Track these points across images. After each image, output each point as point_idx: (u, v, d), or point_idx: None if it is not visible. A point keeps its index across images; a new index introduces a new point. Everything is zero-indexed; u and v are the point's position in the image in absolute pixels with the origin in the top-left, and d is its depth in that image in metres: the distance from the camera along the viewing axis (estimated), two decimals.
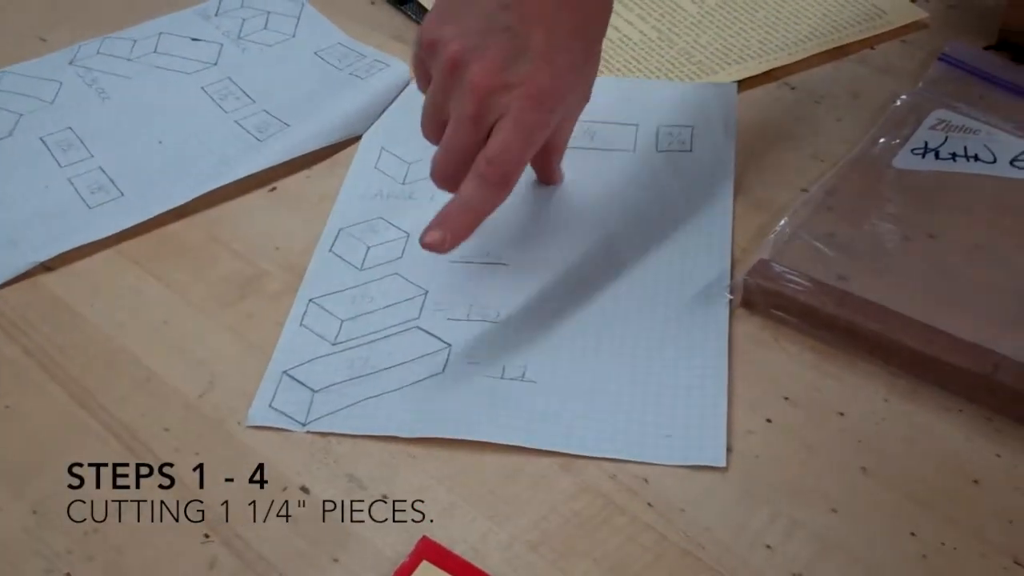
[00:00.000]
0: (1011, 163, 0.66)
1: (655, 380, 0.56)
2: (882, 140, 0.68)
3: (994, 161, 0.67)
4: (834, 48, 0.78)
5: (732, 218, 0.65)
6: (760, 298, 0.59)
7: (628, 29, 0.81)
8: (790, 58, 0.77)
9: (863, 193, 0.65)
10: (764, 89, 0.75)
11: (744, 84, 0.75)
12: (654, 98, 0.73)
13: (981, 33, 0.78)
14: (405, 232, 0.66)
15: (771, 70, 0.76)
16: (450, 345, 0.59)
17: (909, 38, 0.79)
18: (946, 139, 0.68)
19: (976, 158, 0.67)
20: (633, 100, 0.73)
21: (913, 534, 0.49)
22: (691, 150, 0.69)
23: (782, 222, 0.62)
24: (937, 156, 0.67)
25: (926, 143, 0.68)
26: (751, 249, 0.62)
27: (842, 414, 0.54)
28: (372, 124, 0.74)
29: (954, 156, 0.67)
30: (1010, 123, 0.69)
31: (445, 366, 0.58)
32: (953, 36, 0.78)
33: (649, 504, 0.51)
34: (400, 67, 0.78)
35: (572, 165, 0.69)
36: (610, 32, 0.80)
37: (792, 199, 0.65)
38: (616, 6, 0.77)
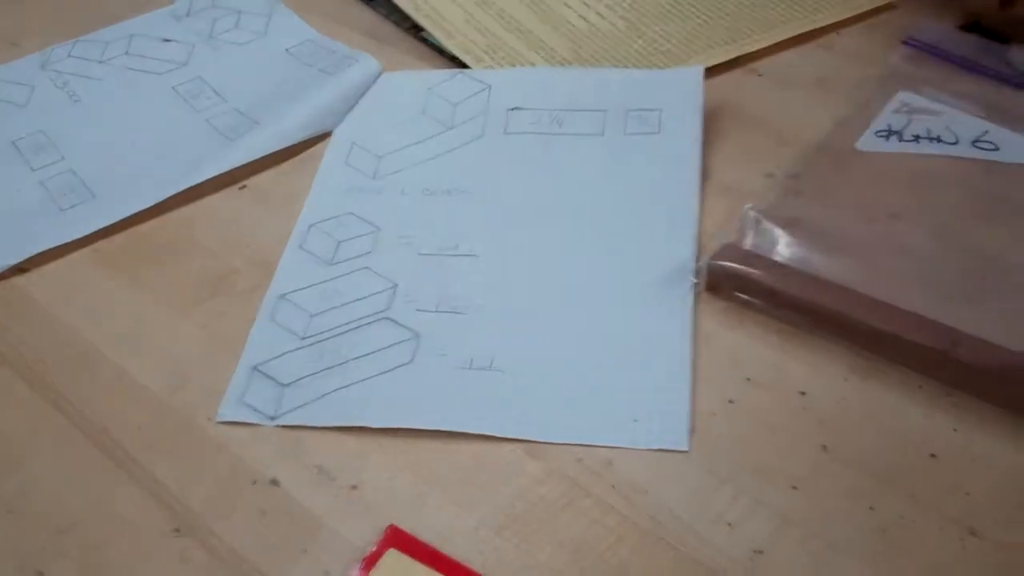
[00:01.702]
0: (973, 144, 0.67)
1: (621, 365, 0.56)
2: (846, 124, 0.69)
3: (956, 142, 0.67)
4: (802, 34, 0.79)
5: (699, 202, 0.65)
6: (725, 281, 0.60)
7: (597, 20, 0.81)
8: (757, 44, 0.78)
9: (828, 177, 0.66)
10: (731, 75, 0.76)
11: (712, 71, 0.75)
12: (622, 85, 0.74)
13: (947, 14, 0.78)
14: (375, 226, 0.67)
15: (738, 57, 0.77)
16: (419, 336, 0.59)
17: (875, 22, 0.79)
18: (909, 121, 0.69)
19: (939, 139, 0.67)
20: (601, 87, 0.74)
21: (872, 508, 0.49)
22: (659, 132, 0.70)
23: (747, 207, 0.63)
24: (900, 138, 0.68)
25: (890, 126, 0.68)
26: (716, 234, 0.63)
27: (804, 393, 0.54)
28: (343, 120, 0.75)
29: (917, 138, 0.68)
30: (974, 105, 0.70)
31: (413, 356, 0.58)
32: (919, 18, 0.78)
33: (613, 486, 0.51)
34: (370, 63, 0.78)
35: (541, 152, 0.69)
36: (579, 23, 0.80)
37: (758, 184, 0.66)
38: None
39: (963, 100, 0.70)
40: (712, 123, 0.71)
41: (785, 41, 0.78)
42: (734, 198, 0.65)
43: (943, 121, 0.68)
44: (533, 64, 0.77)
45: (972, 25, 0.77)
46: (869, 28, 0.79)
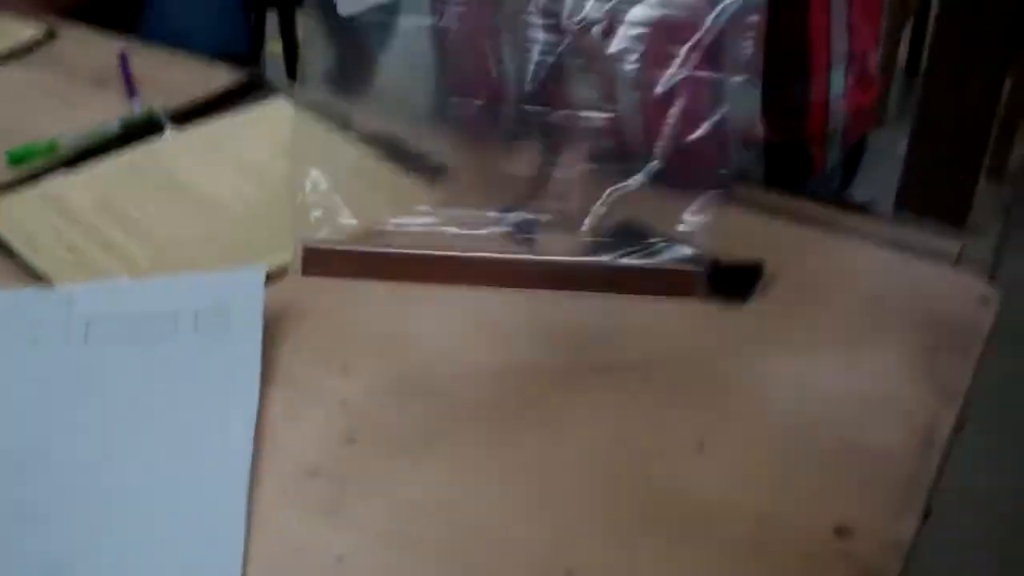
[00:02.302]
0: None
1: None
2: None
3: None
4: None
5: (258, 396, 0.73)
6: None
7: (176, 229, 0.89)
8: None
9: None
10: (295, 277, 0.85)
11: (278, 273, 0.84)
12: (192, 288, 0.81)
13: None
14: None
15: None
16: None
17: None
18: None
19: None
20: (174, 292, 0.81)
21: None
22: (227, 331, 0.77)
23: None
24: None
25: None
26: (280, 425, 0.71)
27: None
28: None
29: None
30: None
31: None
32: None
33: None
34: None
35: (117, 359, 0.75)
36: (159, 235, 0.88)
37: (328, 381, 0.75)
38: (165, 206, 0.86)
39: None
40: (279, 319, 0.79)
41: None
42: (299, 390, 0.74)
43: None
44: (116, 275, 0.84)
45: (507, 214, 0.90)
46: None
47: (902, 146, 2.60)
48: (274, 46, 2.26)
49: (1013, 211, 2.39)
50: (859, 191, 2.49)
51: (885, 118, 2.97)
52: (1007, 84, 2.52)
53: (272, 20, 2.21)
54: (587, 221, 0.82)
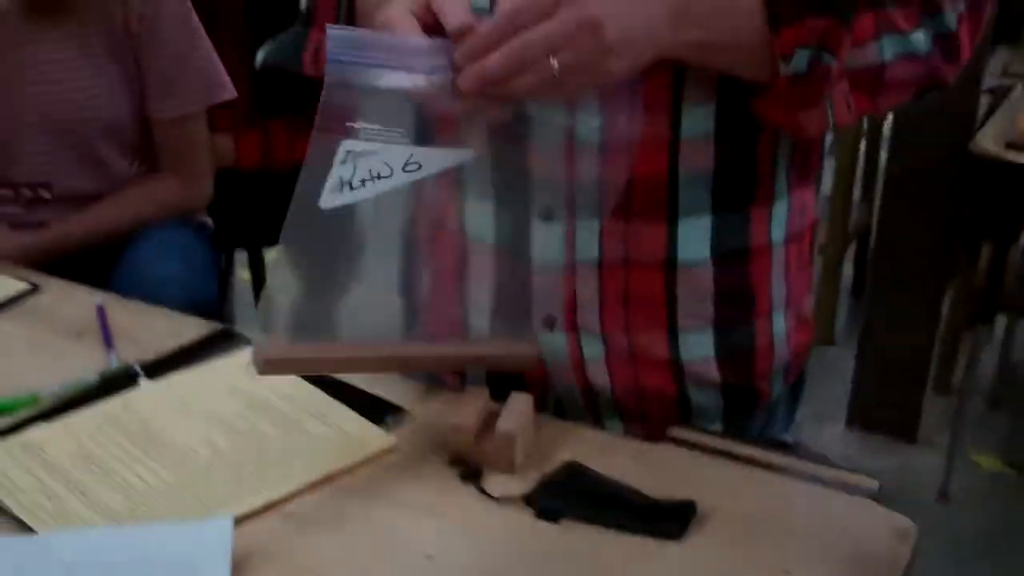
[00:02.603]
0: (403, 169, 0.82)
1: None
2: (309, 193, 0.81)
3: (391, 174, 0.82)
4: (325, 476, 0.95)
5: None
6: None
7: (150, 477, 0.95)
8: (289, 488, 0.94)
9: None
10: (264, 519, 0.91)
11: (247, 517, 0.90)
12: (162, 538, 0.87)
13: (437, 457, 0.98)
14: None
15: (274, 500, 0.92)
16: None
17: (382, 462, 0.98)
18: (355, 168, 0.82)
19: (379, 176, 0.81)
20: (146, 541, 0.86)
21: None
22: None
23: None
24: (351, 187, 0.81)
25: (341, 178, 0.82)
26: None
27: None
28: None
29: (364, 182, 0.81)
30: (398, 128, 0.83)
31: None
32: (418, 457, 0.97)
33: None
34: None
35: None
36: (134, 483, 0.94)
37: None
38: (140, 456, 0.92)
39: (391, 126, 0.83)
40: (246, 561, 0.85)
41: (308, 485, 0.95)
42: None
43: (379, 158, 0.83)
44: (93, 523, 0.89)
45: (457, 461, 0.97)
46: (375, 465, 0.97)
47: (850, 364, 2.71)
48: (243, 273, 2.37)
49: (958, 423, 2.47)
50: (810, 409, 2.59)
51: (834, 338, 3.09)
52: (947, 299, 2.65)
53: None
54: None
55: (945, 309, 2.67)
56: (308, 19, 1.06)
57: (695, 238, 1.01)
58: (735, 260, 1.03)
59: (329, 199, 0.83)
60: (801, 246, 1.08)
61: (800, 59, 0.89)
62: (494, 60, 0.82)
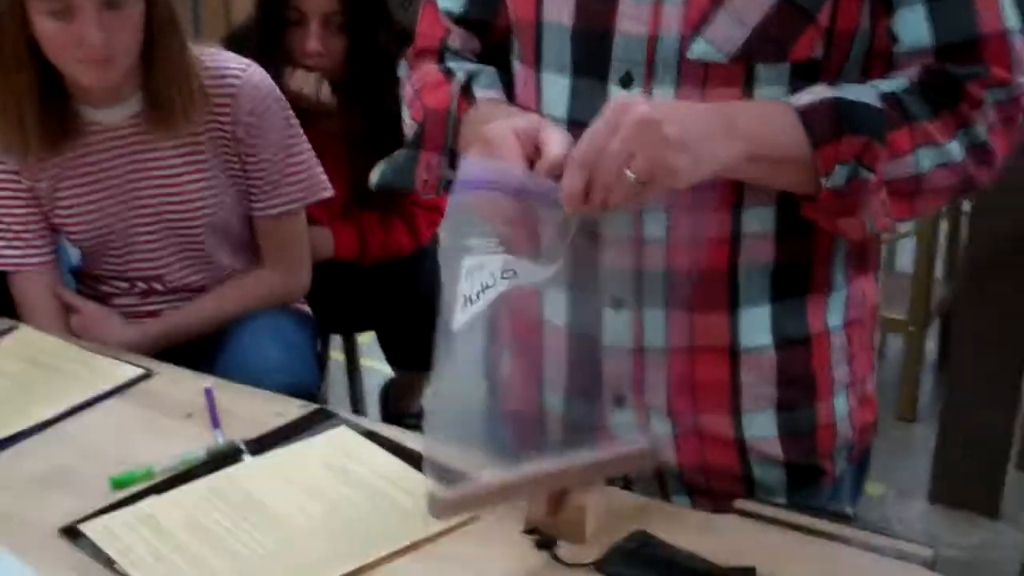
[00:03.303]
0: (502, 277, 0.94)
1: None
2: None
3: (494, 283, 0.93)
4: (412, 544, 1.04)
5: None
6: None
7: (253, 543, 1.04)
8: (378, 555, 1.02)
9: None
10: None
11: None
12: None
13: (512, 525, 1.05)
14: None
15: (364, 566, 1.01)
16: None
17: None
18: (472, 283, 0.93)
19: (486, 287, 0.93)
20: None
21: None
22: None
23: None
24: (471, 302, 0.92)
25: (465, 296, 0.93)
26: None
27: None
28: None
29: (478, 295, 0.93)
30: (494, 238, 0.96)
31: None
32: (497, 527, 1.05)
33: None
34: None
35: None
36: (237, 550, 1.03)
37: None
38: (243, 524, 1.01)
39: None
40: None
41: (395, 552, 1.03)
42: None
43: (487, 269, 0.95)
44: None
45: (532, 530, 1.05)
46: (457, 534, 1.05)
47: (934, 440, 2.72)
48: (335, 355, 2.48)
49: None
50: (894, 485, 2.61)
51: (917, 414, 3.10)
52: None
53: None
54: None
55: None
56: (418, 142, 1.15)
57: (756, 326, 1.08)
58: (795, 346, 1.09)
59: (459, 319, 0.95)
60: (861, 331, 1.14)
61: (839, 174, 0.97)
62: (572, 179, 0.92)
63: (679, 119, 0.93)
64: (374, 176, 1.18)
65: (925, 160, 1.00)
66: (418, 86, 1.17)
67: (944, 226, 3.19)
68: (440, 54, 1.18)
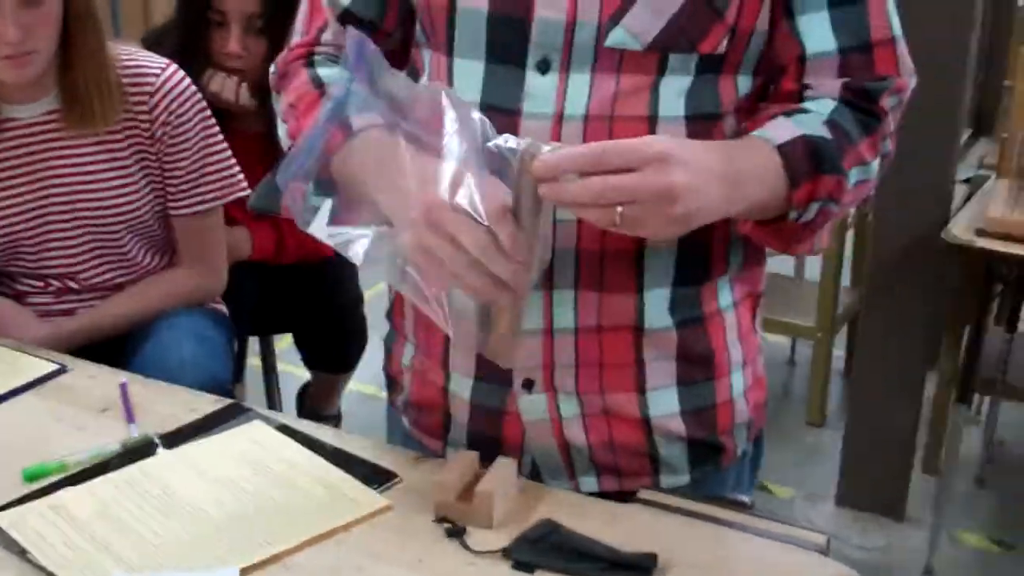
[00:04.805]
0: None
1: None
2: None
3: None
4: (323, 533, 1.06)
5: None
6: None
7: (165, 533, 1.06)
8: (290, 543, 1.04)
9: None
10: (267, 570, 1.01)
11: (252, 568, 1.00)
12: None
13: (425, 510, 1.08)
14: None
15: (277, 554, 1.03)
16: None
17: (375, 520, 1.08)
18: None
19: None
20: None
21: None
22: None
23: None
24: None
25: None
26: None
27: None
28: None
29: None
30: None
31: None
32: (409, 517, 1.08)
33: None
34: None
35: None
36: (150, 538, 1.04)
37: None
38: (156, 515, 1.02)
39: None
40: None
41: (313, 539, 1.05)
42: None
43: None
44: (112, 573, 1.00)
45: (443, 519, 1.07)
46: (370, 524, 1.08)
47: (841, 444, 2.80)
48: (253, 360, 2.49)
49: (943, 500, 2.55)
50: (803, 488, 2.68)
51: (825, 419, 3.19)
52: (931, 381, 2.74)
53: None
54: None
55: (929, 391, 2.76)
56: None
57: (659, 306, 1.11)
58: (694, 324, 1.13)
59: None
60: (750, 312, 1.19)
61: (812, 209, 1.05)
62: (575, 190, 0.93)
63: (699, 195, 0.95)
64: (251, 198, 1.18)
65: (853, 177, 1.07)
66: (292, 99, 1.16)
67: (850, 235, 3.28)
68: (310, 57, 1.18)
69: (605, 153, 0.93)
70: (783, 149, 1.02)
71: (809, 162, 1.03)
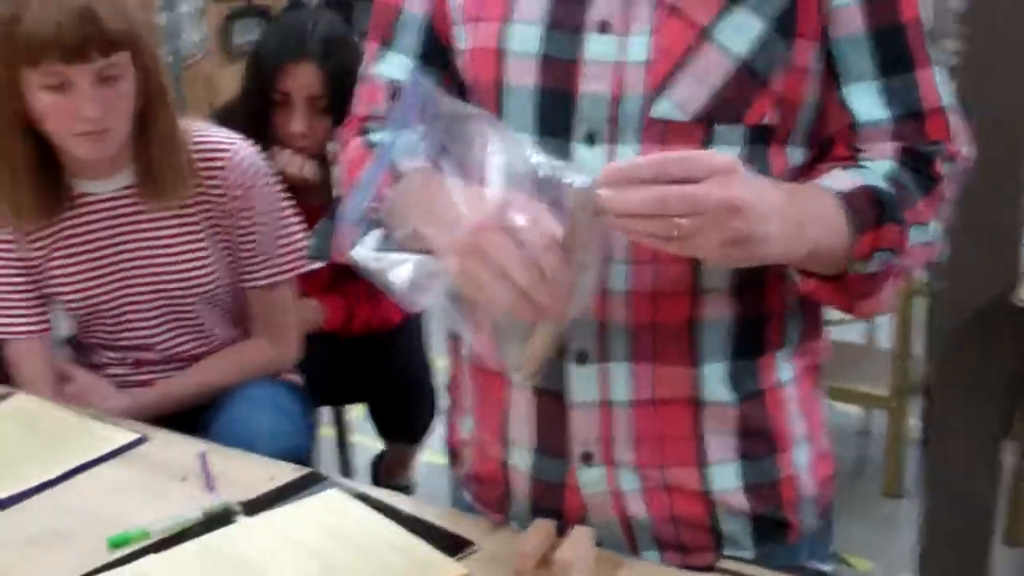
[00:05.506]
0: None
1: None
2: None
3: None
4: None
5: None
6: None
7: None
8: None
9: None
10: None
11: None
12: None
13: None
14: None
15: None
16: None
17: None
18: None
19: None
20: None
21: None
22: None
23: None
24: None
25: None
26: None
27: None
28: None
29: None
30: None
31: None
32: None
33: None
34: None
35: None
36: None
37: None
38: None
39: None
40: None
41: None
42: None
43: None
44: None
45: None
46: None
47: (917, 516, 2.73)
48: (326, 430, 2.50)
49: None
50: (883, 561, 2.62)
51: (903, 490, 3.13)
52: (1011, 450, 2.68)
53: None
54: None
55: (1008, 460, 2.70)
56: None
57: (716, 379, 1.10)
58: (753, 398, 1.12)
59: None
60: (811, 386, 1.17)
61: (877, 260, 1.03)
62: (636, 198, 0.90)
63: (759, 214, 0.92)
64: (310, 247, 1.19)
65: (913, 234, 1.05)
66: (346, 161, 1.20)
67: (921, 301, 3.24)
68: (364, 127, 1.20)
69: (667, 162, 0.91)
70: (847, 196, 1.01)
71: (872, 210, 1.01)
